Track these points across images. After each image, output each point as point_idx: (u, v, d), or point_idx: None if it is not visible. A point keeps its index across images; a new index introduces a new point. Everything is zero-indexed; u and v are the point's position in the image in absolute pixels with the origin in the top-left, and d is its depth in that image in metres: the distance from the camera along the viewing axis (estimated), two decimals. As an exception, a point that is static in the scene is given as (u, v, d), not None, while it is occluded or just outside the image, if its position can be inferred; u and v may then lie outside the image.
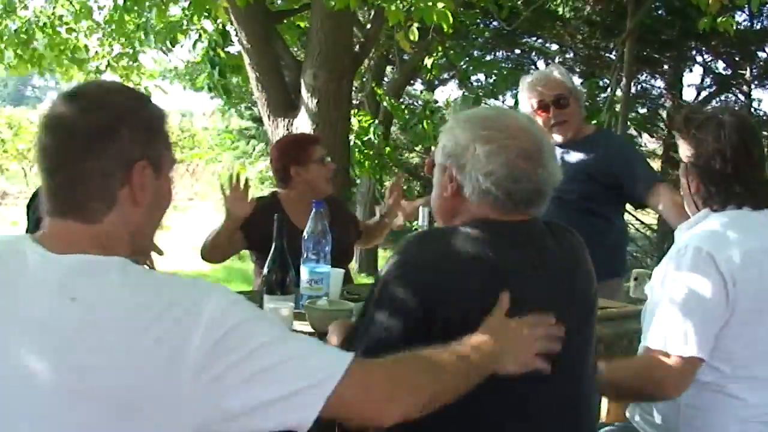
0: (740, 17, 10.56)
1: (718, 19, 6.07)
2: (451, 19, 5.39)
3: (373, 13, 6.47)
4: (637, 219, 11.28)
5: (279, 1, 8.41)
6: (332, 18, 6.08)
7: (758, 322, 2.09)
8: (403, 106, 12.20)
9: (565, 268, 1.86)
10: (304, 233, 3.22)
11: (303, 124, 6.25)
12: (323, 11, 6.06)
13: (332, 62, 6.13)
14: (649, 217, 11.72)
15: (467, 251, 1.73)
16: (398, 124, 12.17)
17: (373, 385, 1.41)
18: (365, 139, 9.87)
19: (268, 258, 2.88)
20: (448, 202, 1.89)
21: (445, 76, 13.73)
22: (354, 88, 11.67)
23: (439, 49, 9.51)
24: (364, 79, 11.10)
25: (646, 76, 12.54)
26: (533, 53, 12.75)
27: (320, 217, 3.27)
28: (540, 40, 12.23)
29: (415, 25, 5.72)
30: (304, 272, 3.17)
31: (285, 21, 7.62)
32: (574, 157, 3.54)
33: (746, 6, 9.86)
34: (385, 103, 9.88)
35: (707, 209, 2.21)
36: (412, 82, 14.43)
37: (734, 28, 6.18)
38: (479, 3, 8.11)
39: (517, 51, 12.42)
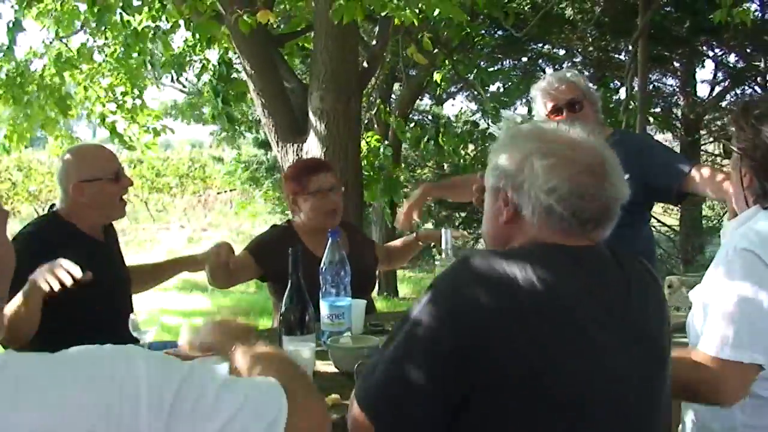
0: (751, 7, 10.39)
1: (734, 10, 5.88)
2: (467, 18, 5.21)
3: (377, 30, 6.27)
4: (659, 221, 11.05)
5: (282, 26, 8.28)
6: (336, 38, 5.91)
7: None
8: (412, 123, 12.07)
9: (634, 306, 1.65)
10: (322, 264, 3.07)
11: (313, 148, 6.08)
12: (327, 31, 5.89)
13: (338, 83, 5.95)
14: (671, 218, 11.49)
15: (519, 284, 1.51)
16: (409, 141, 12.00)
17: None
18: (375, 161, 9.67)
19: (285, 295, 2.72)
20: (504, 229, 1.70)
21: (453, 89, 13.59)
22: (363, 107, 11.59)
23: (446, 62, 9.33)
24: (372, 98, 10.94)
25: (658, 75, 12.40)
26: (541, 60, 12.58)
27: (337, 247, 3.11)
28: (547, 46, 12.05)
29: (427, 35, 5.53)
30: (324, 307, 3.02)
31: (287, 44, 7.46)
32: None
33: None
34: (390, 123, 9.69)
35: (758, 206, 2.05)
36: (420, 97, 14.30)
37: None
38: (487, 11, 7.95)
39: (524, 59, 12.22)
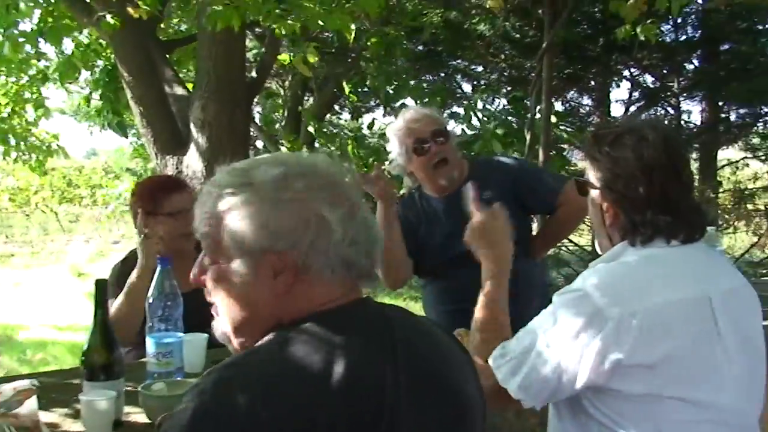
0: (665, 28, 10.35)
1: (638, 27, 5.68)
2: (352, 30, 4.90)
3: (267, 38, 5.90)
4: (570, 240, 10.88)
5: (182, 27, 7.86)
6: (222, 44, 5.54)
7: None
8: (324, 134, 11.74)
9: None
10: (149, 296, 2.68)
11: (193, 161, 5.67)
12: (211, 37, 5.52)
13: (223, 92, 5.57)
14: (582, 238, 11.36)
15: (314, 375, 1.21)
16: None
17: None
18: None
19: (89, 333, 2.33)
20: (277, 303, 1.36)
21: (372, 103, 13.31)
22: (266, 117, 11.24)
23: (357, 74, 9.04)
24: (282, 110, 10.58)
25: (574, 94, 12.30)
26: (458, 75, 12.38)
27: (167, 276, 2.72)
28: (464, 62, 11.85)
29: (313, 45, 5.19)
30: (150, 345, 2.62)
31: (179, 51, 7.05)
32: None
33: (669, 18, 9.75)
34: (309, 127, 9.34)
35: (624, 243, 1.85)
36: (338, 110, 14.00)
37: (659, 38, 5.79)
38: (398, 24, 7.70)
39: (442, 74, 11.98)
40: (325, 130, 11.83)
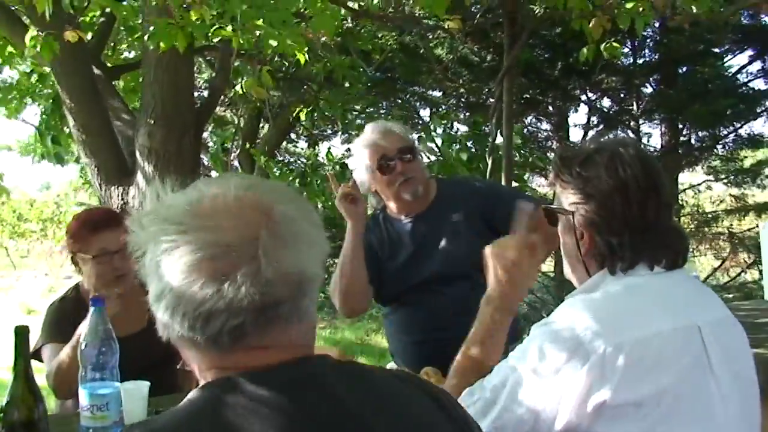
0: (623, 51, 10.29)
1: (602, 46, 5.52)
2: (305, 50, 4.67)
3: (218, 60, 5.64)
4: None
5: (131, 54, 7.57)
6: (168, 69, 5.27)
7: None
8: (279, 164, 11.48)
9: None
10: (81, 342, 2.38)
11: (140, 193, 5.36)
12: (158, 60, 5.24)
13: (170, 119, 5.28)
14: (545, 265, 11.19)
15: None
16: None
17: None
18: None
19: (9, 387, 2.06)
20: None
21: (329, 131, 13.08)
22: (230, 147, 10.93)
23: (313, 101, 8.79)
24: (236, 139, 10.28)
25: (533, 119, 12.22)
26: (417, 101, 12.21)
27: (101, 319, 2.42)
28: (421, 88, 11.70)
29: (266, 68, 4.94)
30: (83, 396, 2.33)
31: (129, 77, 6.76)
32: (440, 219, 2.98)
33: (627, 39, 9.69)
34: (260, 163, 9.09)
35: (604, 272, 1.69)
36: (294, 138, 13.75)
37: (616, 61, 5.64)
38: (353, 49, 7.50)
39: (399, 100, 11.78)
40: (279, 161, 11.60)
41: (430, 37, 9.05)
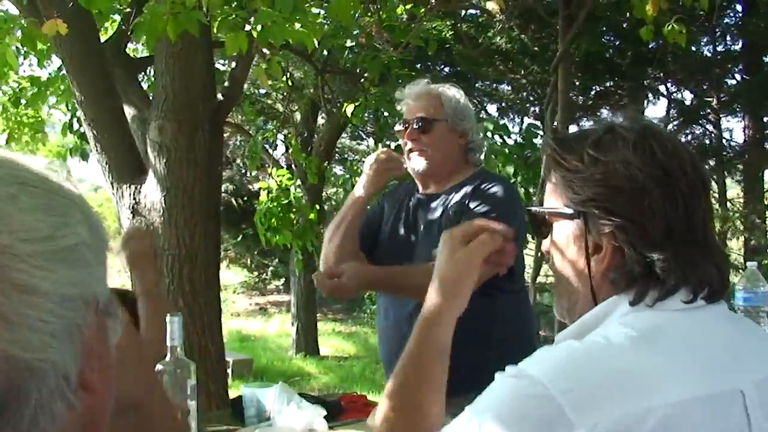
0: (702, 40, 9.57)
1: (665, 29, 4.90)
2: (316, 40, 4.21)
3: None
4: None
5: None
6: (180, 58, 4.88)
7: None
8: (341, 162, 11.12)
9: None
10: None
11: (152, 191, 4.99)
12: (168, 49, 4.85)
13: (182, 111, 4.88)
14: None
15: None
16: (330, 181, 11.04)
17: None
18: (285, 202, 8.73)
19: None
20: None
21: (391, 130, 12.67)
22: (272, 143, 10.58)
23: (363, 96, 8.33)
24: (283, 134, 9.94)
25: (608, 113, 11.56)
26: (483, 97, 11.66)
27: None
28: (485, 83, 11.14)
29: (276, 59, 4.49)
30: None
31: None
32: (438, 209, 2.65)
33: (707, 26, 8.94)
34: (301, 161, 8.69)
35: (616, 299, 1.17)
36: (363, 136, 13.40)
37: (694, 50, 5.00)
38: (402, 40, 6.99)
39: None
40: (344, 159, 11.19)
41: (481, 22, 8.47)
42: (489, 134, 7.30)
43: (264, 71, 4.44)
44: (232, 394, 8.45)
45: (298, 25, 4.10)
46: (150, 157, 4.99)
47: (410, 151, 2.67)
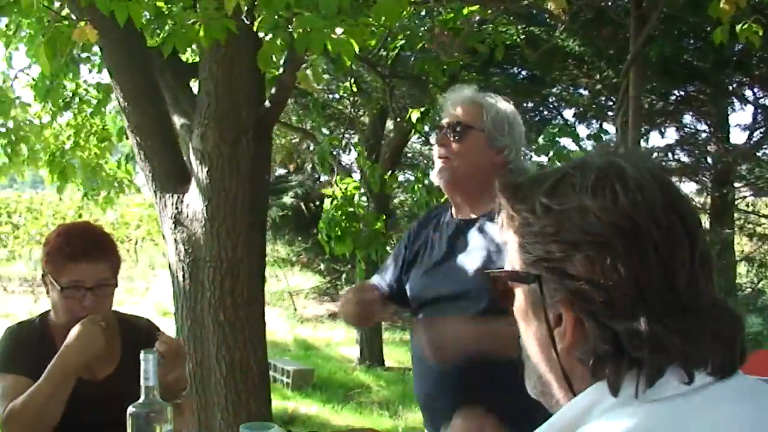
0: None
1: (738, 27, 4.54)
2: (356, 50, 3.96)
3: (285, 55, 5.02)
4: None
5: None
6: (223, 63, 4.68)
7: None
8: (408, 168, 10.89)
9: None
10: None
11: (194, 200, 4.83)
12: (211, 54, 4.68)
13: (224, 118, 4.69)
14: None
15: None
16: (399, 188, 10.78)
17: None
18: (350, 210, 8.51)
19: None
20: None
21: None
22: (337, 148, 10.39)
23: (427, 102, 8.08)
24: (347, 139, 9.76)
25: (692, 119, 11.06)
26: (557, 102, 11.27)
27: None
28: (558, 88, 10.74)
29: (317, 63, 4.28)
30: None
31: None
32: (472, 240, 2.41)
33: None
34: (365, 168, 8.47)
35: (599, 386, 0.92)
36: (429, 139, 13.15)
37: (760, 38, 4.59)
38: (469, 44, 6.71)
39: (530, 103, 10.81)
40: (415, 165, 10.94)
41: (550, 22, 8.12)
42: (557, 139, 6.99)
43: (305, 75, 4.20)
44: (289, 406, 8.36)
45: (339, 30, 3.85)
46: (192, 166, 4.83)
47: (439, 158, 2.44)
